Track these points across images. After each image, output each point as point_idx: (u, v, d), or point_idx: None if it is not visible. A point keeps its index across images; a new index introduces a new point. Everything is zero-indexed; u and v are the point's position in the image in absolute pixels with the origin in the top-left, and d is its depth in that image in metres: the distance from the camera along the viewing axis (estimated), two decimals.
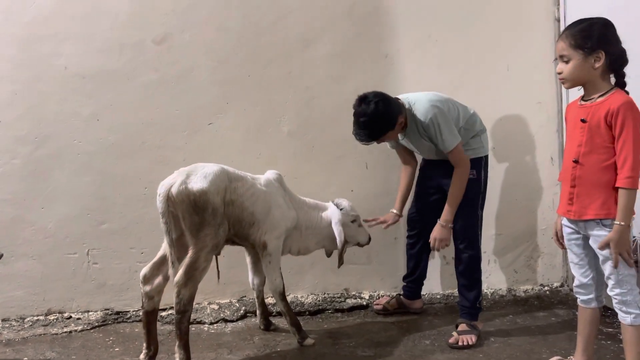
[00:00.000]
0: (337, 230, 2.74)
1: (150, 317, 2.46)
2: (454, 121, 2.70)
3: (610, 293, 2.05)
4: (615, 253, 1.97)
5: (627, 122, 1.93)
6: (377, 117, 2.60)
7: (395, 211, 3.05)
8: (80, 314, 3.17)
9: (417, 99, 2.72)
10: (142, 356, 2.46)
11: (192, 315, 3.04)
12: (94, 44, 3.12)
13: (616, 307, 2.05)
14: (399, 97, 2.75)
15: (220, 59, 3.22)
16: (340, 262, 2.83)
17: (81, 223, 3.16)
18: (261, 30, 3.23)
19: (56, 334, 2.96)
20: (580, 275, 2.18)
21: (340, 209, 2.80)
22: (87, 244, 3.18)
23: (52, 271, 3.15)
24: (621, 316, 2.04)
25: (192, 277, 2.33)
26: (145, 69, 3.17)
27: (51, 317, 3.13)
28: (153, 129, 3.19)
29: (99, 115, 3.15)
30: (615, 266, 1.98)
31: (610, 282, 2.04)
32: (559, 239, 2.27)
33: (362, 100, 2.63)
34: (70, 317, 3.14)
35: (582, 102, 2.09)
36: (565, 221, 2.19)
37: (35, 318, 3.12)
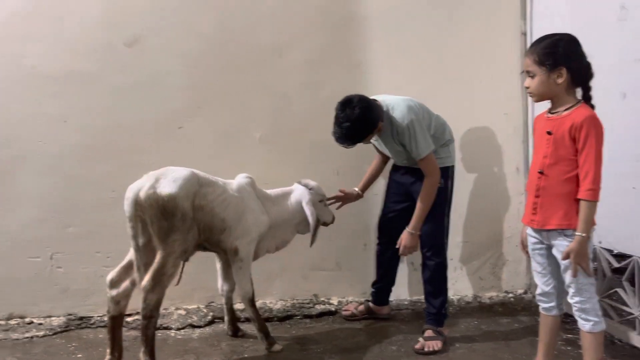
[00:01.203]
0: (308, 210, 2.75)
1: (116, 322, 2.42)
2: (426, 128, 2.75)
3: (570, 301, 2.11)
4: (574, 263, 2.02)
5: (590, 136, 1.98)
6: (360, 123, 2.62)
7: (357, 190, 3.08)
8: (42, 319, 3.09)
9: (395, 103, 2.74)
10: None
11: (158, 320, 3.01)
12: (63, 45, 3.07)
13: (576, 314, 2.11)
14: (376, 98, 2.77)
15: (193, 63, 3.20)
16: (313, 240, 2.81)
17: (45, 226, 3.09)
18: (235, 36, 3.23)
19: (17, 339, 2.89)
20: (542, 284, 2.24)
21: (310, 189, 2.81)
22: (51, 247, 3.11)
23: (14, 275, 3.07)
24: (580, 323, 2.11)
25: (159, 283, 2.30)
26: (115, 71, 3.13)
27: (12, 322, 3.04)
28: (122, 132, 3.15)
29: (67, 117, 3.09)
30: (574, 275, 2.04)
31: (571, 290, 2.10)
32: (525, 247, 2.33)
33: (346, 104, 2.64)
34: (32, 322, 3.06)
35: (549, 115, 2.15)
36: (529, 231, 2.24)
37: None
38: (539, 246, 2.22)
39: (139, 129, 3.16)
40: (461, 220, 3.45)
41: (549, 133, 2.10)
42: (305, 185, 2.83)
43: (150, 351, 2.32)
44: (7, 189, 3.05)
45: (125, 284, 2.40)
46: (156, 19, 3.15)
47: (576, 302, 2.09)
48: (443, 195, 2.83)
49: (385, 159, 3.10)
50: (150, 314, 2.30)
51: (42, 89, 3.06)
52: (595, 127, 2.00)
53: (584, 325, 2.09)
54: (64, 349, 2.77)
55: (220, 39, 3.22)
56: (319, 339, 2.89)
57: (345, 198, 3.08)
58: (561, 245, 2.09)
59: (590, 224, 2.02)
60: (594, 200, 2.00)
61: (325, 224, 2.97)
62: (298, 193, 2.83)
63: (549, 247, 2.17)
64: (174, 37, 3.17)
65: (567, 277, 2.09)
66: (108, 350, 2.42)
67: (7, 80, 3.02)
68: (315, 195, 2.83)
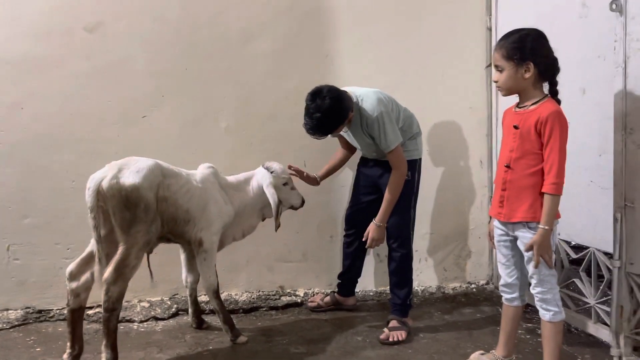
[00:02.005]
0: (269, 192, 2.71)
1: (76, 315, 2.37)
2: (395, 121, 2.76)
3: (532, 291, 2.17)
4: (537, 254, 2.08)
5: (555, 131, 2.02)
6: (331, 113, 2.60)
7: (316, 176, 3.05)
8: None
9: (364, 94, 2.74)
10: (65, 356, 2.36)
11: (120, 313, 2.96)
12: (20, 28, 2.96)
13: (537, 304, 2.17)
14: (346, 89, 2.75)
15: (157, 50, 3.13)
16: (277, 224, 2.77)
17: (1, 216, 2.99)
18: (200, 23, 3.17)
19: None
20: (506, 275, 2.29)
21: (271, 172, 2.78)
22: (8, 238, 3.01)
23: None
24: (541, 313, 2.16)
25: (122, 275, 2.26)
26: (75, 57, 3.03)
27: None
28: (83, 120, 3.06)
29: (24, 104, 2.99)
30: (536, 267, 2.09)
31: (533, 281, 2.15)
32: (492, 239, 2.37)
33: (316, 95, 2.61)
34: None
35: (517, 109, 2.18)
36: (496, 223, 2.28)
37: None
38: (504, 238, 2.26)
39: (100, 117, 3.08)
40: (426, 212, 3.49)
41: (515, 127, 2.14)
42: (267, 169, 2.79)
43: (112, 344, 2.28)
44: None
45: (86, 276, 2.34)
46: (118, 3, 3.06)
47: (538, 293, 2.14)
48: (410, 187, 2.85)
49: (348, 153, 3.10)
50: (113, 307, 2.26)
51: None
52: (560, 122, 2.03)
53: (545, 315, 2.15)
54: (22, 343, 2.70)
55: (185, 25, 3.15)
56: (284, 330, 2.89)
57: (303, 178, 3.01)
58: (525, 237, 2.13)
59: (553, 216, 2.07)
60: (557, 193, 2.05)
61: (294, 208, 2.93)
62: (259, 176, 2.79)
63: (514, 239, 2.22)
64: (136, 23, 3.09)
65: (530, 268, 2.14)
66: (68, 344, 2.36)
67: None
68: (277, 178, 2.78)
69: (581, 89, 2.65)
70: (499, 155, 2.30)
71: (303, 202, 2.95)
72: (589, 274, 2.74)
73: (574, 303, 2.87)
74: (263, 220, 2.92)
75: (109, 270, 2.25)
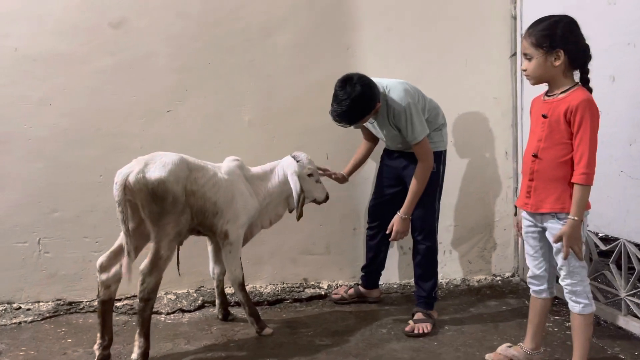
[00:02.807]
0: (292, 180, 2.70)
1: (106, 306, 2.41)
2: (421, 112, 2.73)
3: (561, 283, 2.13)
4: (566, 246, 2.03)
5: (585, 120, 1.97)
6: (361, 101, 2.57)
7: (343, 173, 3.05)
8: (30, 304, 3.07)
9: (392, 85, 2.71)
10: (95, 347, 2.40)
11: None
12: (47, 26, 3.01)
13: (567, 296, 2.14)
14: (373, 80, 2.72)
15: (179, 45, 3.15)
16: (299, 214, 2.75)
17: (32, 211, 3.06)
18: (222, 18, 3.18)
19: (5, 325, 2.87)
20: (534, 267, 2.25)
21: (298, 161, 2.76)
22: (38, 232, 3.08)
23: (0, 260, 3.04)
24: (571, 305, 2.13)
25: (156, 266, 2.31)
26: (100, 53, 3.07)
27: None
28: (109, 115, 3.10)
29: (51, 100, 3.04)
30: (565, 258, 2.05)
31: (562, 273, 2.12)
32: (520, 229, 2.32)
33: (346, 82, 2.58)
34: (20, 307, 3.04)
35: (546, 98, 2.14)
36: (524, 214, 2.25)
37: None
38: (532, 229, 2.23)
39: (126, 112, 3.12)
40: (451, 204, 3.47)
41: (544, 116, 2.09)
42: (294, 157, 2.78)
43: (146, 333, 2.34)
44: None
45: (115, 268, 2.38)
46: None
47: (567, 285, 2.11)
48: (435, 179, 2.82)
49: (372, 144, 3.09)
50: (148, 297, 2.32)
51: (24, 71, 3.00)
52: (590, 111, 1.98)
53: (574, 307, 2.11)
54: (53, 334, 2.76)
55: (207, 20, 3.17)
56: (309, 322, 2.90)
57: (329, 175, 3.02)
58: (554, 229, 2.10)
59: (583, 207, 2.03)
60: (587, 184, 2.00)
61: (317, 202, 2.92)
62: (285, 164, 2.78)
63: (542, 230, 2.18)
64: (159, 18, 3.12)
65: (559, 259, 2.10)
66: (98, 335, 2.41)
67: None
68: (302, 167, 2.76)
69: (610, 76, 2.59)
70: (526, 145, 2.25)
71: (327, 197, 2.93)
72: (619, 266, 2.69)
73: (603, 295, 2.83)
74: (290, 211, 2.90)
75: (145, 262, 2.31)
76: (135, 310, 2.93)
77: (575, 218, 2.01)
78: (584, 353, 2.13)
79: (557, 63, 2.02)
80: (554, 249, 2.13)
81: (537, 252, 2.23)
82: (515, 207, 2.31)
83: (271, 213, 2.83)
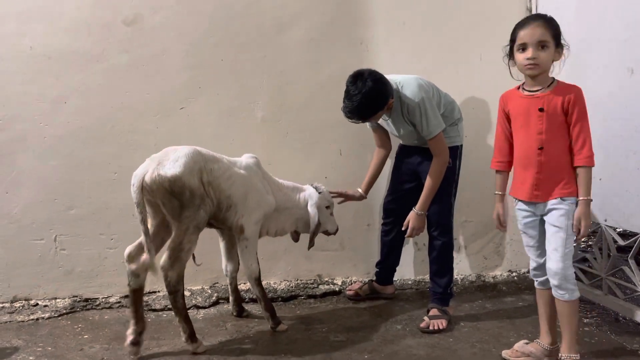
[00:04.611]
0: (312, 211, 2.77)
1: (137, 294, 2.44)
2: (436, 107, 2.70)
3: (553, 269, 2.12)
4: (585, 226, 2.08)
5: (582, 108, 2.09)
6: (373, 96, 2.56)
7: (360, 191, 3.06)
8: (47, 301, 3.10)
9: (405, 81, 2.69)
10: (129, 332, 2.41)
11: (162, 302, 3.03)
12: (61, 24, 3.02)
13: (556, 284, 2.14)
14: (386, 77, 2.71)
15: (193, 42, 3.15)
16: (311, 244, 2.84)
17: (48, 208, 3.08)
18: (234, 14, 3.18)
19: (22, 321, 2.90)
20: (536, 257, 2.26)
21: (319, 193, 2.83)
22: (55, 229, 3.10)
23: (17, 257, 3.07)
24: (559, 293, 2.14)
25: (177, 258, 2.34)
26: (114, 50, 3.08)
27: (17, 305, 3.05)
28: (123, 112, 3.11)
29: (66, 98, 3.06)
30: (584, 236, 2.10)
31: (557, 255, 2.11)
32: (501, 222, 2.34)
33: (358, 77, 2.57)
34: (37, 304, 3.07)
35: (527, 92, 2.18)
36: (520, 205, 2.26)
37: (1, 305, 3.04)
38: (531, 219, 2.24)
39: (140, 109, 3.13)
40: (466, 200, 3.43)
41: (541, 110, 2.13)
42: (316, 189, 2.85)
43: (185, 317, 2.43)
44: (8, 172, 3.03)
45: (144, 257, 2.40)
46: None
47: (559, 269, 2.11)
48: (451, 174, 2.80)
49: (385, 152, 3.06)
50: (175, 289, 2.37)
51: (39, 69, 3.02)
52: (583, 100, 2.11)
53: (564, 295, 2.13)
54: (70, 330, 2.78)
55: (220, 17, 3.16)
56: (323, 318, 2.90)
57: (348, 198, 3.06)
58: (560, 210, 2.12)
59: (590, 187, 2.10)
60: (592, 165, 2.11)
61: (327, 233, 2.98)
62: (309, 193, 2.84)
63: (542, 220, 2.20)
64: (173, 16, 3.12)
65: (558, 239, 2.11)
66: (132, 322, 2.42)
67: (4, 60, 2.98)
68: (322, 200, 2.84)
69: (629, 69, 2.54)
70: (514, 140, 2.27)
71: (337, 230, 2.99)
72: (638, 262, 2.65)
73: (622, 291, 2.79)
74: (296, 233, 2.95)
75: (164, 258, 2.34)
76: (151, 308, 2.98)
77: (589, 197, 2.09)
78: (576, 337, 2.18)
79: (557, 59, 2.11)
80: (552, 231, 2.14)
81: (538, 241, 2.25)
82: (518, 200, 2.28)
83: (279, 224, 2.84)
